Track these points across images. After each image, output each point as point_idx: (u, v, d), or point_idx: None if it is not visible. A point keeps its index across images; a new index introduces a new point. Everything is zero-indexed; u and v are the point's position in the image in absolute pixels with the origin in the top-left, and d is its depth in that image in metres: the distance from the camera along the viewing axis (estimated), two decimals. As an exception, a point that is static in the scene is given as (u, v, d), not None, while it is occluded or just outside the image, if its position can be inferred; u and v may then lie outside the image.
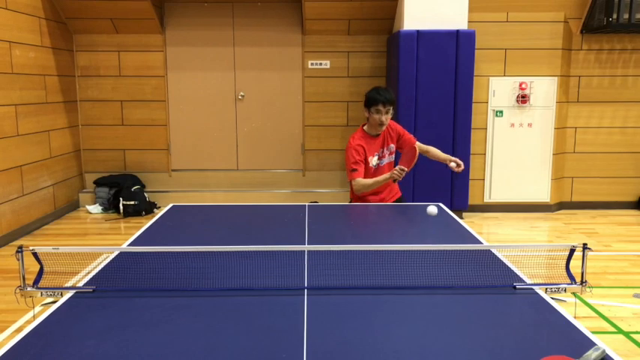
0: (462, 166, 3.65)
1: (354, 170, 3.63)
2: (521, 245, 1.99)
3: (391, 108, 3.65)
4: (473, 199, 6.06)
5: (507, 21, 5.94)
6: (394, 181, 3.57)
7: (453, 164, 3.67)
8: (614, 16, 5.63)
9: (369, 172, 3.71)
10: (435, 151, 3.94)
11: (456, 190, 5.76)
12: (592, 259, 4.61)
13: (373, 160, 3.73)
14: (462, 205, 5.80)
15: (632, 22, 5.66)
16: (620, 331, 3.24)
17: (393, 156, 3.84)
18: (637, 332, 3.22)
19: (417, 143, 3.83)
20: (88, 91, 6.52)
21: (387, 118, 3.64)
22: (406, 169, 3.45)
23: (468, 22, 5.61)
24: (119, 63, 6.47)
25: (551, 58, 5.98)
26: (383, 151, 3.76)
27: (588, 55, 6.13)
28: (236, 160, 6.81)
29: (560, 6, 5.93)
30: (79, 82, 6.50)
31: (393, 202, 3.84)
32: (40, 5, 5.67)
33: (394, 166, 3.69)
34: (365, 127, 3.76)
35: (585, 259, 2.03)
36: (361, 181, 3.62)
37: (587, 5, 5.89)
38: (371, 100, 3.63)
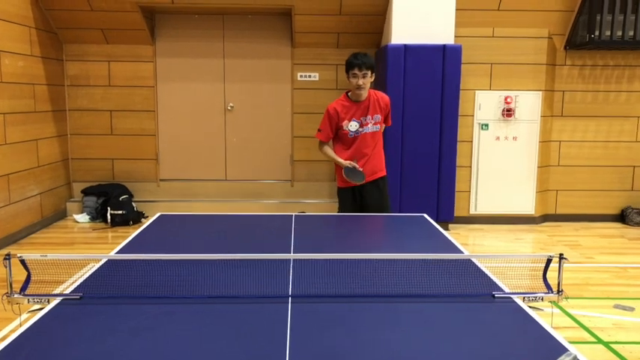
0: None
1: (319, 131, 3.90)
2: (499, 255, 2.04)
3: (369, 72, 3.73)
4: (458, 211, 6.13)
5: (493, 36, 6.05)
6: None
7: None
8: (597, 33, 5.76)
9: (345, 137, 3.84)
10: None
11: (441, 201, 5.83)
12: (574, 270, 4.69)
13: (351, 125, 3.81)
14: (447, 217, 5.86)
15: (614, 40, 5.79)
16: (599, 341, 3.30)
17: (379, 127, 3.90)
18: (616, 342, 3.28)
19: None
20: (78, 101, 6.53)
21: (364, 82, 3.73)
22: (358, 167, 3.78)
23: (455, 36, 5.71)
24: (109, 73, 6.50)
25: (536, 73, 6.10)
26: (366, 119, 3.83)
27: (572, 71, 6.25)
28: (224, 170, 6.84)
29: (544, 22, 6.06)
30: (69, 92, 6.51)
31: (376, 179, 3.94)
32: (30, 15, 5.70)
33: (380, 138, 3.93)
34: (349, 93, 3.88)
35: (562, 269, 2.09)
36: (323, 146, 3.93)
37: (571, 22, 6.02)
38: (348, 64, 3.76)
